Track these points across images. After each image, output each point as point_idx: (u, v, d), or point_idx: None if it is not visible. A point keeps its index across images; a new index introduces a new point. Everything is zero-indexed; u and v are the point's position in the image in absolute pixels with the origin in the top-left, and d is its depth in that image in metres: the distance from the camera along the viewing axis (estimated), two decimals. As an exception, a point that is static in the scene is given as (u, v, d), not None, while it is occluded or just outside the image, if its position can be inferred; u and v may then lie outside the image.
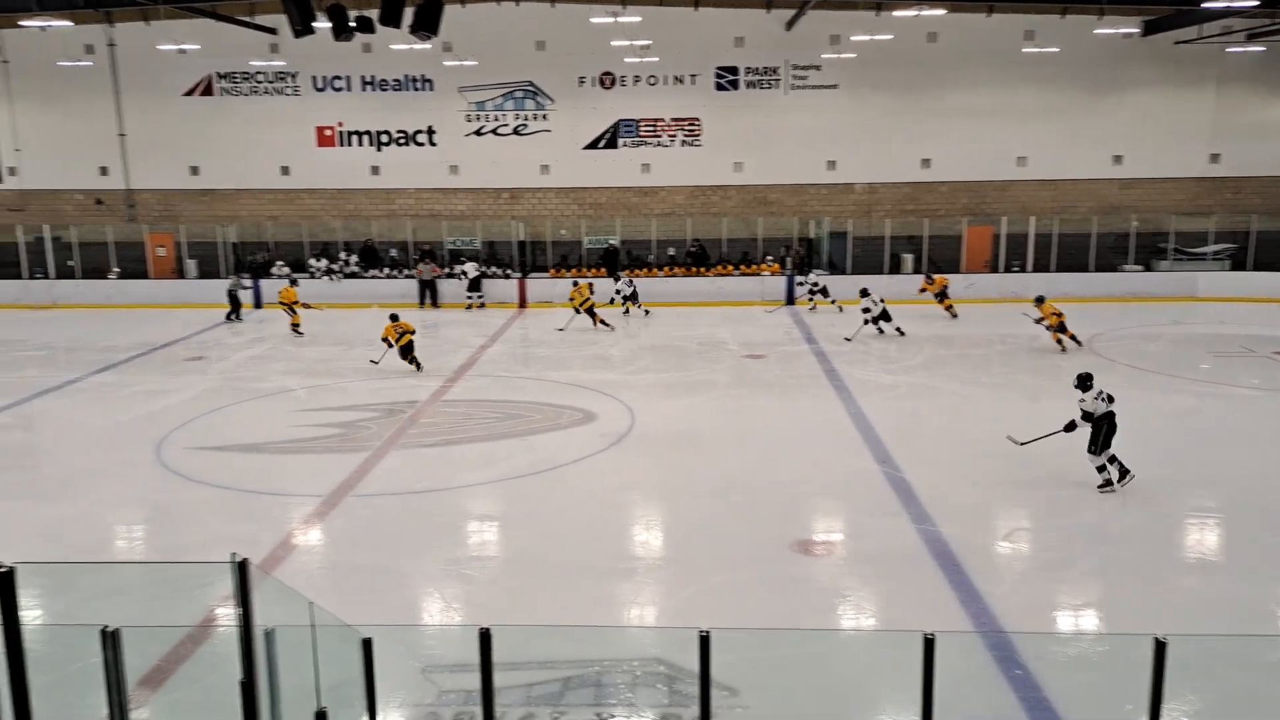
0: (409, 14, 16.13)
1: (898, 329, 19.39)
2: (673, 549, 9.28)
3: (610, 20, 23.70)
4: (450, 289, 24.40)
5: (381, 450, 12.22)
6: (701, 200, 26.59)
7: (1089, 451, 10.21)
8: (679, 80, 25.90)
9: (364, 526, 9.77)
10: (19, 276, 25.59)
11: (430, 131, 26.42)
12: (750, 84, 25.87)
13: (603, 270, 25.26)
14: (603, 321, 20.82)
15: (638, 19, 24.05)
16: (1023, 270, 24.48)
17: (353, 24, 16.62)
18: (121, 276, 25.70)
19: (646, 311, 22.61)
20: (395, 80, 26.16)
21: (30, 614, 3.52)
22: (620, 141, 26.30)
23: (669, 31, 25.11)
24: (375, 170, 26.67)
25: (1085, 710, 6.35)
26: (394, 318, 16.89)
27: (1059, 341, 17.75)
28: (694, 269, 24.93)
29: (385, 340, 16.73)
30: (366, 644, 4.59)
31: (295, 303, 20.72)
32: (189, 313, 23.38)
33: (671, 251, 26.13)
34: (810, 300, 22.89)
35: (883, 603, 8.08)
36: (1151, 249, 24.94)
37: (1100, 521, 9.56)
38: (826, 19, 24.58)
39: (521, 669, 6.41)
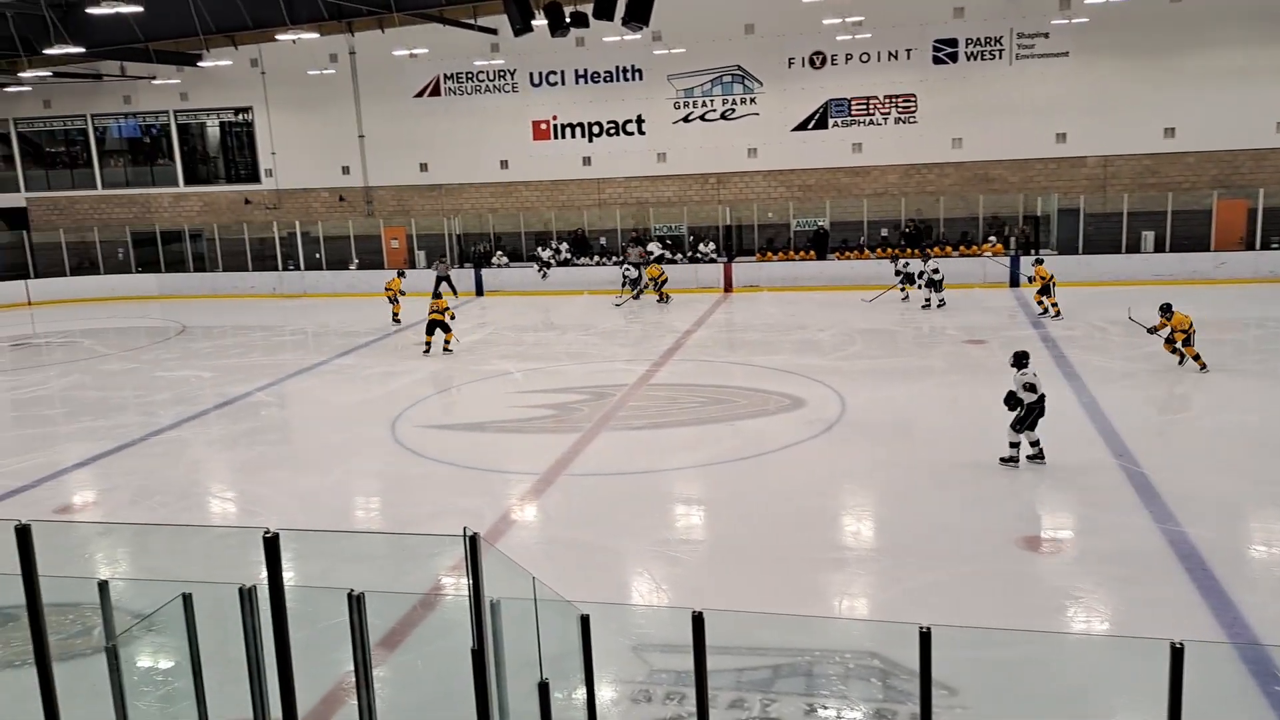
0: (621, 6, 16.44)
1: (941, 300, 20.38)
2: (885, 540, 9.00)
3: (821, -1, 23.16)
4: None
5: (592, 431, 12.59)
6: (916, 179, 25.56)
7: (1011, 428, 10.20)
8: (893, 56, 24.97)
9: (577, 505, 10.12)
10: (276, 268, 28.63)
11: (639, 120, 26.86)
12: (970, 55, 24.55)
13: (811, 254, 24.81)
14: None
15: (850, -4, 23.38)
16: (1287, 246, 21.98)
17: (568, 20, 17.21)
18: (360, 268, 28.02)
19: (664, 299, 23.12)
20: (606, 72, 26.77)
21: (288, 575, 3.87)
22: (830, 122, 25.69)
23: (883, 6, 24.22)
24: (586, 161, 27.44)
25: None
26: (437, 295, 18.47)
27: (1177, 354, 14.14)
28: (908, 250, 23.99)
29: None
30: (585, 620, 4.72)
31: (400, 293, 21.68)
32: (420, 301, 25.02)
33: (885, 232, 25.34)
34: (902, 290, 21.61)
35: (1118, 607, 7.47)
36: None
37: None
38: (1056, -18, 22.97)
39: (732, 653, 6.41)
